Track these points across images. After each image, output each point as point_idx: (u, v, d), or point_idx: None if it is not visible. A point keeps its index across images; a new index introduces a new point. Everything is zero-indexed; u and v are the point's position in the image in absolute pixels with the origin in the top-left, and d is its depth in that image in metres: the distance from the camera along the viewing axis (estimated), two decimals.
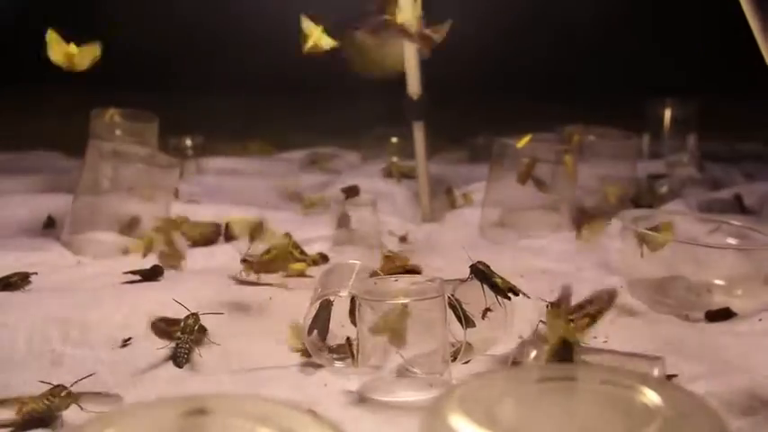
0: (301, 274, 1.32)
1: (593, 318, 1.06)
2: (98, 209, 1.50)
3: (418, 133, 1.73)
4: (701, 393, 0.72)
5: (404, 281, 1.00)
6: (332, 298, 1.04)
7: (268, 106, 2.77)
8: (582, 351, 0.94)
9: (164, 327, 1.08)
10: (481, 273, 1.05)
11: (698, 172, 2.17)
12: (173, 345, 1.04)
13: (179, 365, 1.03)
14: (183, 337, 1.04)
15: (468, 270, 1.06)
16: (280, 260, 1.34)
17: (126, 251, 1.43)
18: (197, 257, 1.44)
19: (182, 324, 1.05)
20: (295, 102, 2.85)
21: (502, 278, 1.06)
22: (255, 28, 2.92)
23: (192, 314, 1.06)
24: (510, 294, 1.05)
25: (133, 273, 1.30)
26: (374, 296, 0.96)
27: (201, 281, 1.28)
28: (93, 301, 1.17)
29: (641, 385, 0.59)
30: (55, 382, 0.90)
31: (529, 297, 1.07)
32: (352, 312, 1.00)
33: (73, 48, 1.37)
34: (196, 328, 1.05)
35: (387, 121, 2.22)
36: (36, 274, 1.27)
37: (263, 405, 0.58)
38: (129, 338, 1.10)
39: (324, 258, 1.44)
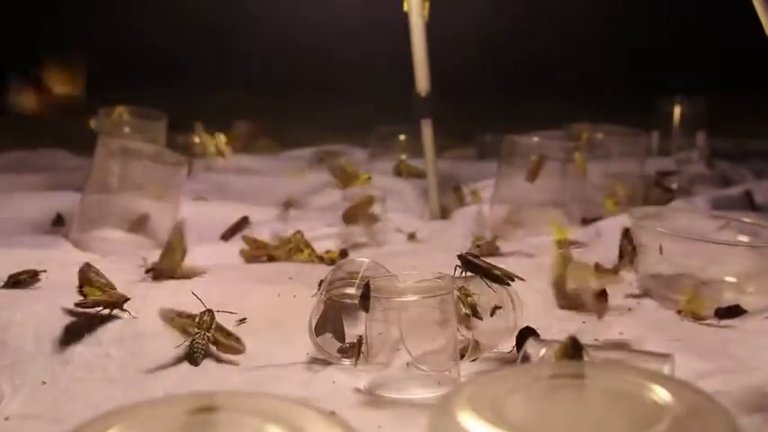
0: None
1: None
2: (107, 207, 1.50)
3: (427, 131, 1.73)
4: (711, 390, 0.71)
5: (412, 278, 1.00)
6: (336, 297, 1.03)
7: (275, 104, 2.77)
8: (591, 349, 0.93)
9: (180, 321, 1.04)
10: (469, 262, 1.04)
11: (707, 169, 2.17)
12: (188, 342, 1.02)
13: (194, 363, 1.01)
14: (199, 332, 1.02)
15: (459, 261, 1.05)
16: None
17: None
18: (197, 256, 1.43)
19: (197, 320, 1.03)
20: (302, 99, 2.85)
21: (497, 267, 1.05)
22: (263, 26, 2.93)
23: (208, 310, 1.04)
24: (503, 281, 1.04)
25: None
26: (383, 294, 0.95)
27: (209, 278, 1.28)
28: None
29: (651, 383, 0.59)
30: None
31: (524, 279, 1.06)
32: (363, 297, 0.97)
33: None
34: (213, 325, 1.03)
35: (395, 118, 2.22)
36: (45, 271, 1.27)
37: (271, 402, 0.58)
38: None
39: (342, 254, 1.43)
